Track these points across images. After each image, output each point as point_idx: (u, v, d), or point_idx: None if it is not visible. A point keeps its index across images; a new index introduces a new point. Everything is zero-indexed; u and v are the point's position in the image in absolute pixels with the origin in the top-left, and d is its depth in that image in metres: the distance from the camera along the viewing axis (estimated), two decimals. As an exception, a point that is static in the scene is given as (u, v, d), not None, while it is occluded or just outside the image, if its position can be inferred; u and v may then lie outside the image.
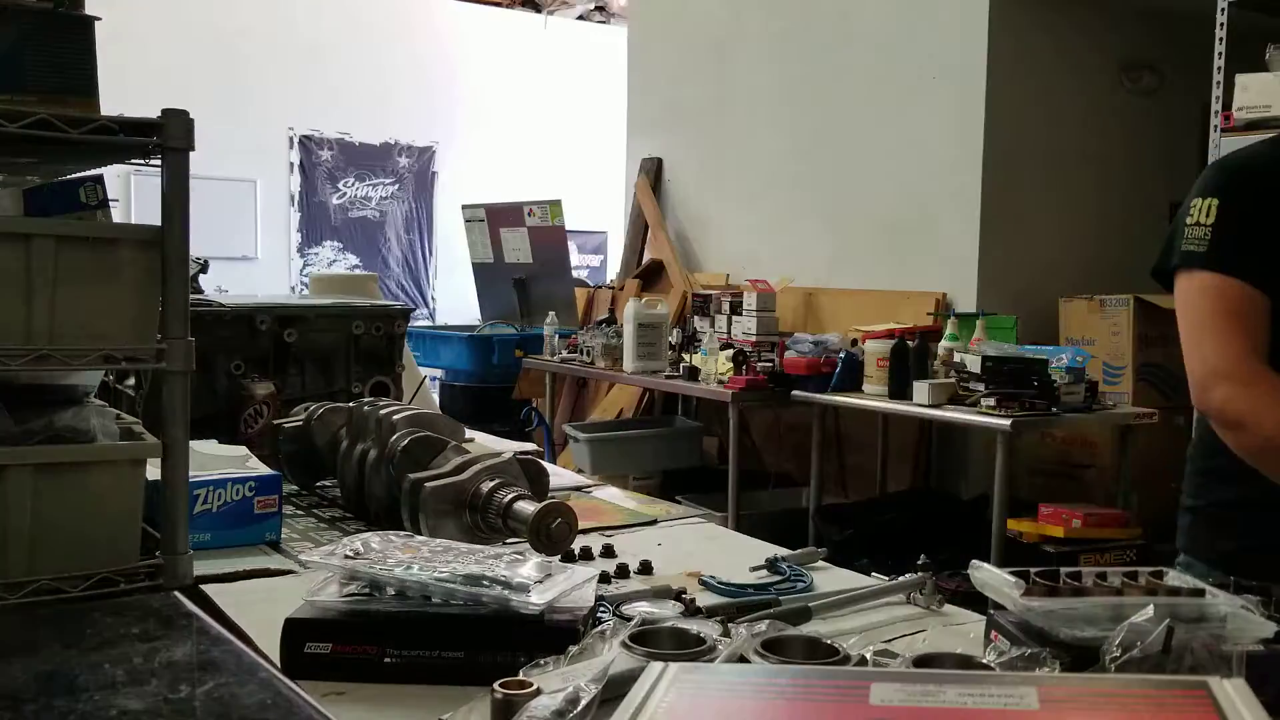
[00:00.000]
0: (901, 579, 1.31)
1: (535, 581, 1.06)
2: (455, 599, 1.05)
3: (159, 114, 1.19)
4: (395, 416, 1.63)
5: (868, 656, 0.97)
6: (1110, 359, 4.50)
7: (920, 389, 3.92)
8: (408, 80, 9.61)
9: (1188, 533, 1.64)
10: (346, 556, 1.11)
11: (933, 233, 4.84)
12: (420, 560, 1.10)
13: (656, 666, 0.77)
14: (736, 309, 4.82)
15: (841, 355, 4.26)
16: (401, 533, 1.23)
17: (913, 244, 4.90)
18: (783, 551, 1.49)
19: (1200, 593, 1.00)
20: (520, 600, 1.03)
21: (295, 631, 1.05)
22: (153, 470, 1.25)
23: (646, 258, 6.21)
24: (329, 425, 1.79)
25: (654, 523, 1.71)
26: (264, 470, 1.58)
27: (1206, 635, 0.92)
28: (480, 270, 6.72)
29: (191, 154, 1.20)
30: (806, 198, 5.35)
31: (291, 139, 9.38)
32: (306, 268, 9.41)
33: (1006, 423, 3.60)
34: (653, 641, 0.99)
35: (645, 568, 1.42)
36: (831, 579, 1.41)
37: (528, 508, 1.38)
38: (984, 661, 0.94)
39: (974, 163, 4.67)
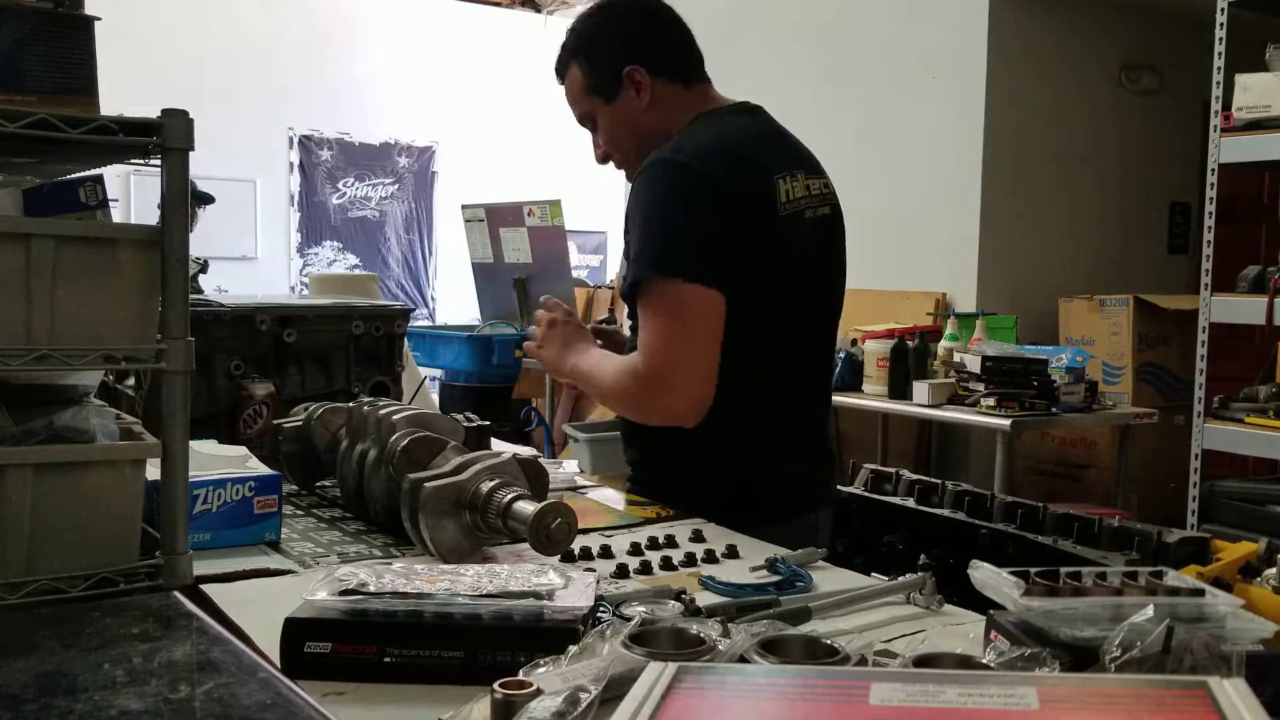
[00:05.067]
0: (901, 579, 1.31)
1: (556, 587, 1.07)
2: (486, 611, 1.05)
3: (159, 114, 1.19)
4: (395, 416, 1.63)
5: (868, 656, 0.97)
6: (1110, 359, 4.51)
7: (920, 389, 3.92)
8: (408, 80, 9.61)
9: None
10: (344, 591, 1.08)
11: (933, 233, 4.84)
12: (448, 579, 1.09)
13: (656, 666, 0.77)
14: (736, 309, 4.82)
15: (841, 355, 4.25)
16: (422, 561, 1.20)
17: (913, 244, 4.90)
18: (783, 551, 1.49)
19: (1200, 592, 1.00)
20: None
21: (295, 631, 1.04)
22: (153, 470, 1.25)
23: (646, 258, 6.20)
24: (329, 425, 1.79)
25: (644, 523, 1.70)
26: (264, 470, 1.58)
27: (1206, 635, 0.92)
28: (480, 270, 6.71)
29: (191, 154, 1.20)
30: (806, 198, 5.35)
31: (291, 139, 9.38)
32: (306, 268, 9.41)
33: (1006, 423, 3.60)
34: (653, 641, 0.98)
35: (645, 568, 1.42)
36: (831, 579, 1.40)
37: (528, 508, 1.38)
38: (984, 661, 0.94)
39: (974, 163, 4.67)
